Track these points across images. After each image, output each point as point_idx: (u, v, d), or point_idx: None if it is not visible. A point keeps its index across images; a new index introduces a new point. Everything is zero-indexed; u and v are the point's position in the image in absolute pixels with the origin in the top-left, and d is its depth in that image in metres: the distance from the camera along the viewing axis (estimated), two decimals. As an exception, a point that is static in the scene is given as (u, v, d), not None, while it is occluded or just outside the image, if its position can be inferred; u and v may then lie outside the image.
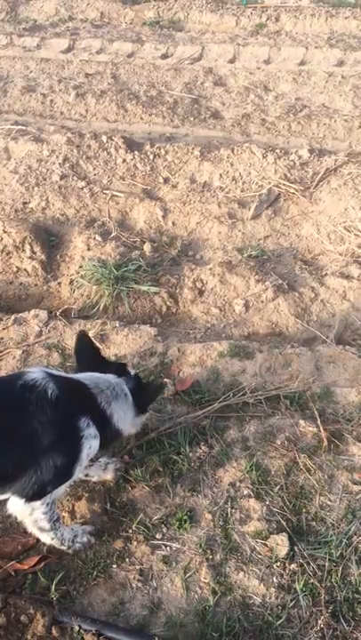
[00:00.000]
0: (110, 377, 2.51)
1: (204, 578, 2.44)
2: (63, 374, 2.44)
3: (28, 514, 2.27)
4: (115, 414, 2.43)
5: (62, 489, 2.36)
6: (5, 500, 2.34)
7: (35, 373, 2.26)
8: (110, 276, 3.96)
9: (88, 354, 2.61)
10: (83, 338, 2.64)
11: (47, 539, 2.41)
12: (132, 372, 2.69)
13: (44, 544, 2.50)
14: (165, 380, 3.23)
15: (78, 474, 2.40)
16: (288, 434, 2.97)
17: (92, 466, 2.64)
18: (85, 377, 2.46)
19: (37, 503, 2.24)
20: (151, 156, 5.20)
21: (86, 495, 2.70)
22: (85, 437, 2.28)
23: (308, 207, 4.76)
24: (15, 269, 4.21)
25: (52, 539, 2.40)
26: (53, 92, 6.42)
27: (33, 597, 2.34)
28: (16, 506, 2.25)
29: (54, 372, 2.39)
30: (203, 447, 2.90)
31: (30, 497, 2.21)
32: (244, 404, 3.12)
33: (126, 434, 2.63)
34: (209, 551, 2.52)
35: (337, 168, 4.98)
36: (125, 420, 2.51)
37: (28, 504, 2.23)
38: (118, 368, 2.64)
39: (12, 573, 2.42)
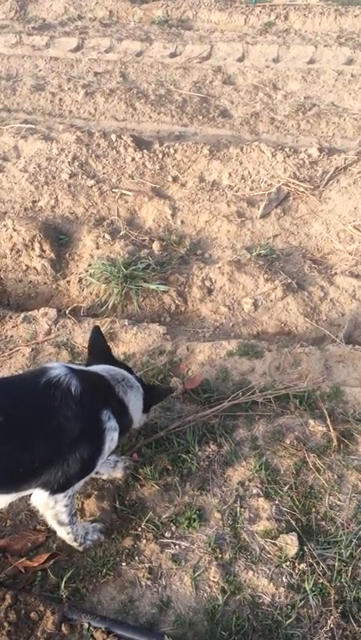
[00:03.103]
0: (122, 370, 2.55)
1: (214, 577, 2.44)
2: (83, 368, 2.48)
3: (51, 507, 2.30)
4: (130, 403, 2.48)
5: (82, 483, 2.39)
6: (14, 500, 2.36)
7: (57, 369, 2.29)
8: (119, 275, 3.97)
9: (100, 348, 2.66)
10: (97, 332, 2.71)
11: (63, 533, 2.43)
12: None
13: (54, 541, 2.52)
14: (175, 378, 3.23)
15: (98, 468, 2.43)
16: (297, 433, 2.96)
17: (102, 464, 2.65)
18: (102, 369, 2.50)
19: (60, 496, 2.28)
20: (160, 155, 5.19)
21: (96, 493, 2.70)
22: (108, 430, 2.33)
23: (318, 206, 4.74)
24: (25, 268, 4.22)
25: (68, 533, 2.42)
26: (62, 90, 6.43)
27: (43, 595, 2.35)
28: (40, 499, 2.28)
29: (74, 366, 2.42)
30: (212, 446, 2.90)
31: (55, 490, 2.25)
32: (253, 403, 3.12)
33: (136, 426, 2.66)
34: (218, 550, 2.52)
35: (347, 167, 4.96)
36: (137, 411, 2.55)
37: (52, 497, 2.27)
38: (126, 366, 2.68)
39: (22, 570, 2.44)
